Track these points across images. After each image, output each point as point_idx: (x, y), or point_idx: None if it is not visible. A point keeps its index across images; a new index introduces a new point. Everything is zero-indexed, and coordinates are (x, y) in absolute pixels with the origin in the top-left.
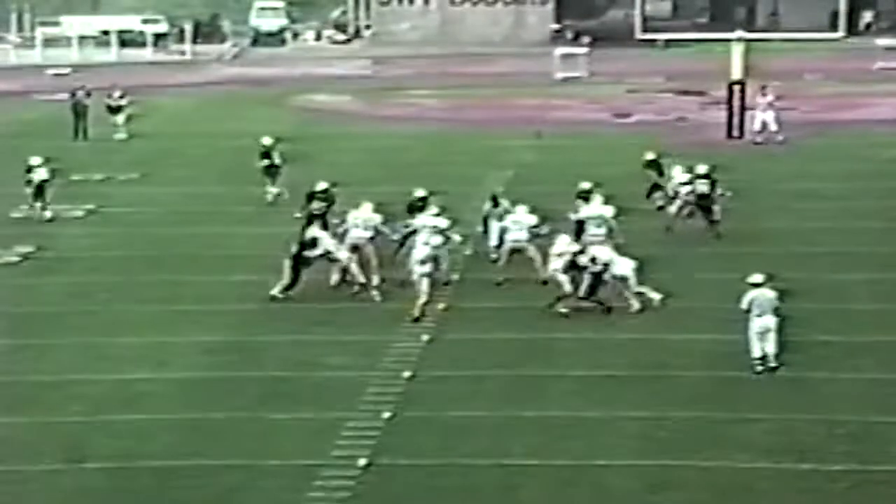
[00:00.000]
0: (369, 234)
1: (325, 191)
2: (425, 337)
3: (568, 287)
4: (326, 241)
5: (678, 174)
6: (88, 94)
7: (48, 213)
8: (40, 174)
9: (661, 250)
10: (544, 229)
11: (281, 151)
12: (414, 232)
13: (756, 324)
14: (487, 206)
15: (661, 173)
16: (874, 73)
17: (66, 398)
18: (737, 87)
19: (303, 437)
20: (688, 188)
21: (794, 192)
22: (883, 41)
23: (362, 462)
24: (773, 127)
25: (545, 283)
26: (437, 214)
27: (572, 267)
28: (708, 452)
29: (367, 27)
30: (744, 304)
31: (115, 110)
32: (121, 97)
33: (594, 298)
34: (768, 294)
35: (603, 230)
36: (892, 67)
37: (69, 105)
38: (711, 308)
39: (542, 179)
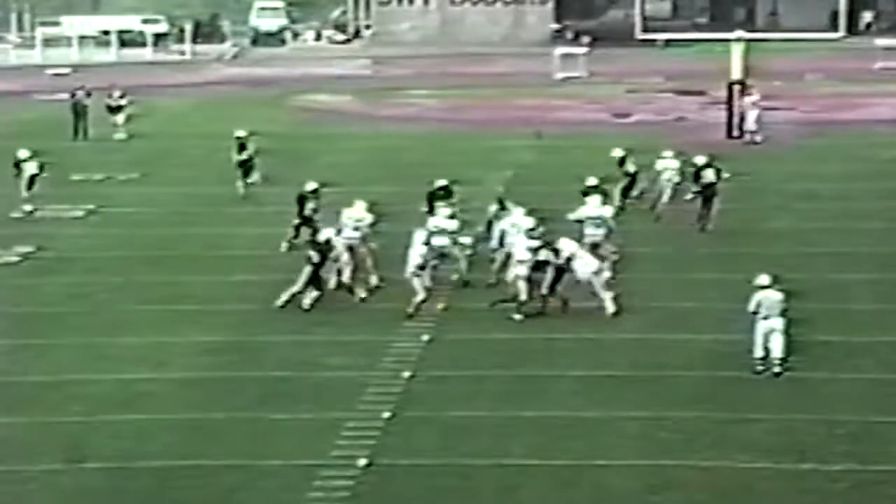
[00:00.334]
0: (360, 234)
1: (315, 191)
2: (425, 337)
3: (524, 296)
4: (338, 243)
5: (666, 159)
6: (88, 94)
7: (28, 207)
8: (30, 168)
9: (660, 250)
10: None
11: (254, 144)
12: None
13: (762, 325)
14: (494, 208)
15: (627, 172)
16: (874, 73)
17: (65, 398)
18: (736, 87)
19: (303, 437)
20: (670, 173)
21: (794, 193)
22: (883, 41)
23: (362, 462)
24: (751, 126)
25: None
26: (452, 216)
27: (537, 267)
28: (708, 453)
29: (367, 27)
30: (751, 306)
31: (114, 110)
32: (121, 97)
33: (553, 295)
34: (775, 296)
35: (602, 231)
36: (891, 67)
37: (69, 105)
38: (711, 308)
39: (541, 180)
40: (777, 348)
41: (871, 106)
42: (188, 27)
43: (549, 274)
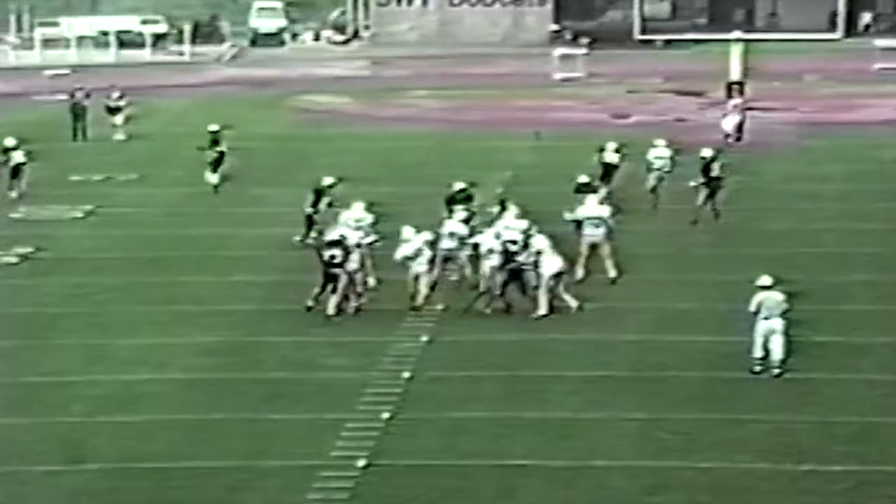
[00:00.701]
0: (360, 234)
1: (332, 185)
2: (424, 338)
3: (485, 285)
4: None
5: (658, 148)
6: (87, 95)
7: (13, 194)
8: (16, 157)
9: (659, 250)
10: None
11: (226, 140)
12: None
13: (762, 326)
14: (496, 210)
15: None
16: (873, 73)
17: (65, 399)
18: (735, 88)
19: (302, 437)
20: (661, 162)
21: (793, 193)
22: (882, 42)
23: (361, 463)
24: (727, 129)
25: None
26: (466, 220)
27: (506, 263)
28: (707, 453)
29: (366, 28)
30: (752, 307)
31: (113, 111)
32: (120, 98)
33: (503, 295)
34: (776, 297)
35: (601, 230)
36: (890, 68)
37: (68, 106)
38: (711, 309)
39: (540, 180)
40: (777, 349)
41: (871, 107)
42: (187, 28)
43: (502, 273)
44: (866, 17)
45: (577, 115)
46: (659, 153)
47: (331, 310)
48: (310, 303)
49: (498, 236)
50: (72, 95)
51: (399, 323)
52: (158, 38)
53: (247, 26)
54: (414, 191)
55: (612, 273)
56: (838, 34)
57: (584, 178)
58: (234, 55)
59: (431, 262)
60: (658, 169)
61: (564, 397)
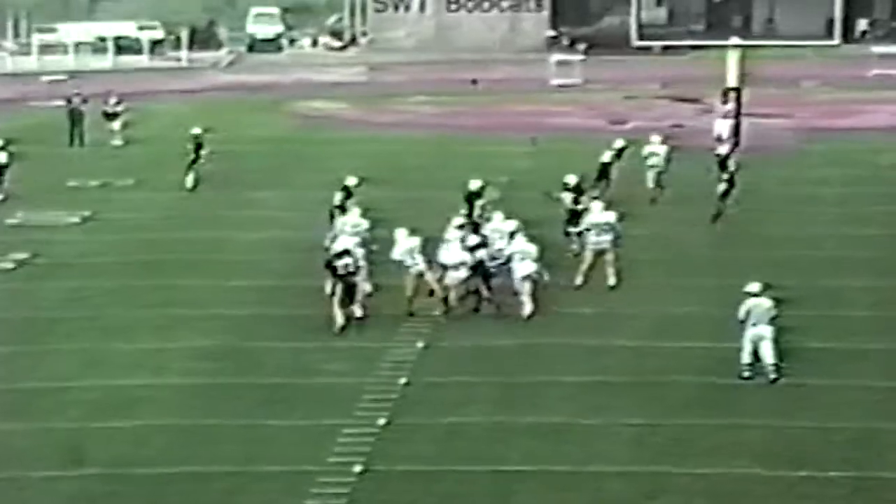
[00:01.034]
0: (357, 239)
1: (357, 185)
2: (421, 343)
3: (437, 286)
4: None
5: (654, 145)
6: (85, 101)
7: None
8: (1, 157)
9: (658, 255)
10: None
11: (209, 143)
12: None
13: (751, 332)
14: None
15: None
16: (870, 80)
17: (62, 404)
18: (732, 94)
19: (299, 443)
20: (655, 159)
21: (791, 198)
22: (878, 48)
23: (358, 468)
24: (723, 135)
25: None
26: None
27: (478, 267)
28: (704, 459)
29: (363, 34)
30: (740, 314)
31: (111, 116)
32: (117, 103)
33: (465, 298)
34: (765, 304)
35: (609, 237)
36: (887, 74)
37: (65, 111)
38: (708, 314)
39: (537, 186)
40: (768, 355)
41: (868, 113)
42: (184, 34)
43: (470, 274)
44: (863, 24)
45: (573, 120)
46: (654, 149)
47: (358, 312)
48: (346, 319)
49: (472, 249)
50: (69, 101)
51: (396, 328)
52: (156, 44)
53: (244, 32)
54: (411, 195)
55: (612, 280)
56: (835, 40)
57: (571, 179)
58: (232, 61)
59: (430, 263)
60: (653, 166)
61: (561, 402)
